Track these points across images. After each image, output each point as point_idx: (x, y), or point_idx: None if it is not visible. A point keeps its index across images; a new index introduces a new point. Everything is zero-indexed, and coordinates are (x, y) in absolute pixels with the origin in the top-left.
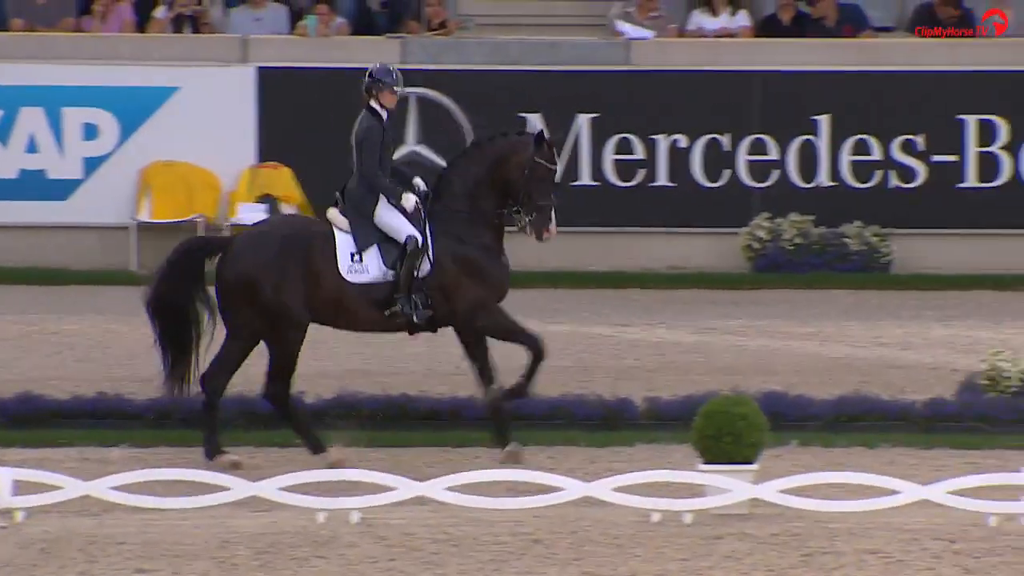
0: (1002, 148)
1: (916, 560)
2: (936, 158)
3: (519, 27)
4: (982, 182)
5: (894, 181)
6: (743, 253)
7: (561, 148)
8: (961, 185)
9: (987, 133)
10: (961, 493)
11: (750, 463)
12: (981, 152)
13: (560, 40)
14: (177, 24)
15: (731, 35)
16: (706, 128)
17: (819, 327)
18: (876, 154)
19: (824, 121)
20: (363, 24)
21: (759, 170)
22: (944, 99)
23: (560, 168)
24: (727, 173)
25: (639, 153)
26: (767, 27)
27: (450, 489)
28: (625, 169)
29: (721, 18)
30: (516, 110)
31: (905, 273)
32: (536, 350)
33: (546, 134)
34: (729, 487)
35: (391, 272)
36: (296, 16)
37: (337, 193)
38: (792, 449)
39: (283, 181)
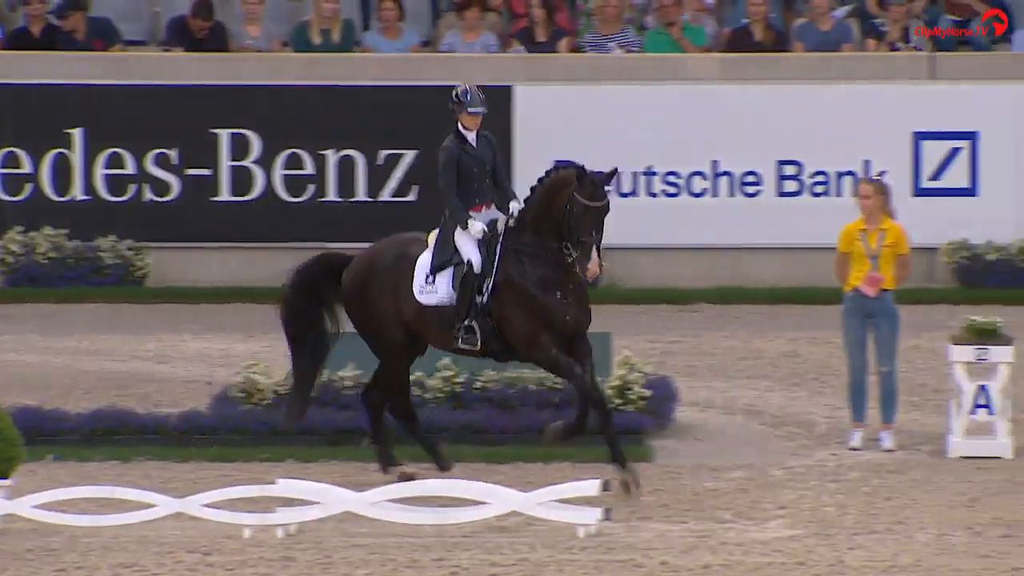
0: (255, 162)
1: (170, 573)
2: (191, 172)
3: None
4: (236, 196)
5: (148, 195)
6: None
7: (608, 182)
8: (216, 199)
9: (241, 147)
10: (216, 505)
11: (5, 478)
12: (234, 166)
13: None
14: None
15: None
16: None
17: (74, 341)
18: (131, 168)
19: (78, 134)
20: None
21: (12, 183)
22: (198, 113)
23: (604, 204)
24: None
25: None
26: (17, 40)
27: None
28: None
29: None
30: None
31: (161, 286)
32: (583, 392)
33: (589, 170)
34: None
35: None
36: None
37: None
38: (48, 464)
39: None
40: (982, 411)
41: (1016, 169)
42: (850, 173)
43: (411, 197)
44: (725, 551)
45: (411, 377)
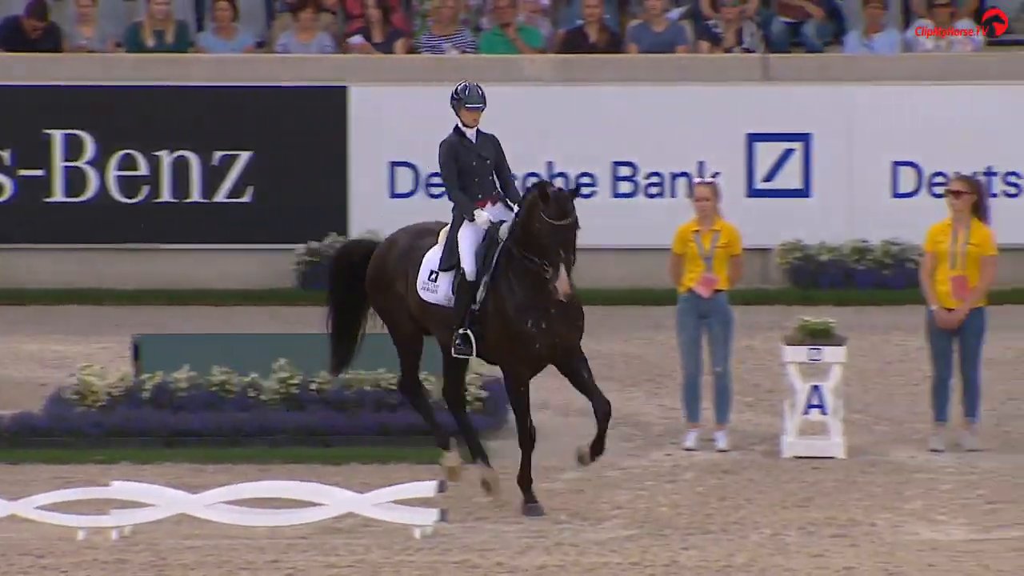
0: (89, 163)
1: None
2: (24, 173)
3: None
4: (70, 197)
5: None
6: None
7: (562, 201)
8: (49, 199)
9: (74, 148)
10: (50, 508)
11: None
12: (68, 167)
13: None
14: None
15: None
16: None
17: None
18: None
19: None
20: None
21: None
22: (31, 113)
23: (570, 222)
24: None
25: None
26: None
27: None
28: None
29: None
30: None
31: None
32: (522, 438)
33: (550, 188)
34: None
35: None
36: None
37: None
38: None
39: None
40: (815, 411)
41: (849, 170)
42: (684, 174)
43: (246, 198)
44: (560, 551)
45: (246, 379)
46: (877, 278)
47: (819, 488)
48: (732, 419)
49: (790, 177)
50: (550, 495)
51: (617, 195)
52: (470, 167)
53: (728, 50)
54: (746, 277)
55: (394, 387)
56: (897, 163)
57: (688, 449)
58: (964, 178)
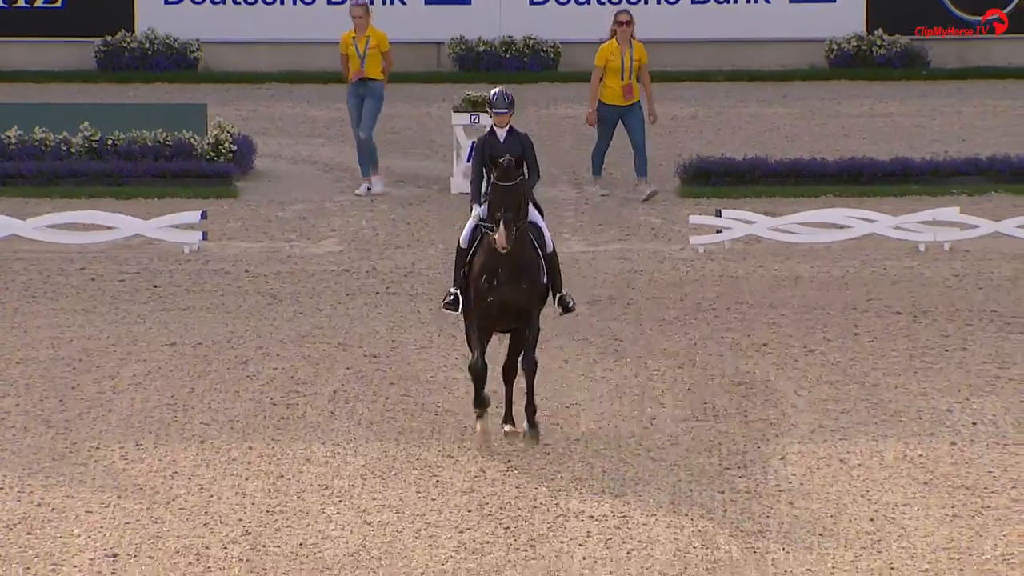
0: None
1: None
2: None
3: None
4: None
5: None
6: None
7: (506, 168)
8: None
9: None
10: None
11: None
12: None
13: None
14: None
15: None
16: None
17: None
18: None
19: None
20: None
21: None
22: None
23: (512, 184)
24: None
25: None
26: None
27: None
28: None
29: None
30: None
31: None
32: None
33: (502, 160)
34: None
35: None
36: None
37: None
38: None
39: None
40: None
41: None
42: None
43: (58, 5)
44: (291, 262)
45: (60, 136)
46: (519, 64)
47: None
48: (402, 167)
49: None
50: (283, 221)
51: (305, 3)
52: (488, 161)
53: None
54: (424, 63)
55: (170, 143)
56: None
57: (358, 195)
58: (626, 11)
